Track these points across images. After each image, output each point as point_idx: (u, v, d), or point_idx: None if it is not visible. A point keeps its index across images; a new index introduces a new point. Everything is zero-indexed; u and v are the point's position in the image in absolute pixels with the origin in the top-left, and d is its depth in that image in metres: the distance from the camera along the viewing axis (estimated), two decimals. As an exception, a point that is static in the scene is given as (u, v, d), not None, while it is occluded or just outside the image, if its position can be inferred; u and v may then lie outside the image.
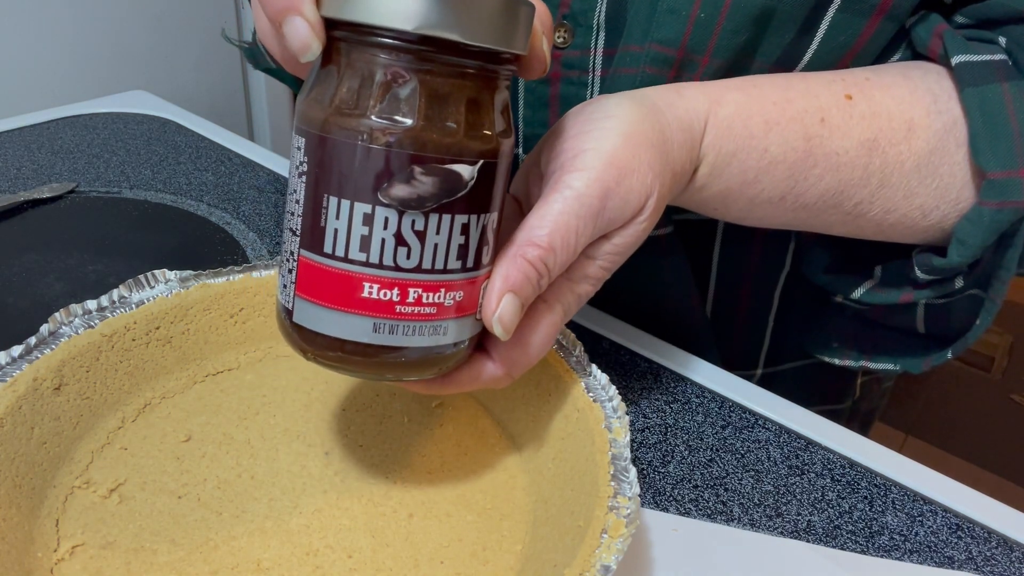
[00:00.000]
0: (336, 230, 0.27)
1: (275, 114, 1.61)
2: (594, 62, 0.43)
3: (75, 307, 0.37)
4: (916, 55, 0.41)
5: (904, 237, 0.40)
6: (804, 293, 0.51)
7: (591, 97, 0.43)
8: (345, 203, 0.26)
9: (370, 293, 0.27)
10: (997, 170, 0.36)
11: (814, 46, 0.40)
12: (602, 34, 0.42)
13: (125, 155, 0.69)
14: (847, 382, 0.59)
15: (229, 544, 0.31)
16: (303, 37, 0.25)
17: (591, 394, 0.35)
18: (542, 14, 0.28)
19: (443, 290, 0.28)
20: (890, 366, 0.45)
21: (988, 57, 0.38)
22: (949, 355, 0.42)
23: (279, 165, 0.69)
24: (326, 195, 0.27)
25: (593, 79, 0.43)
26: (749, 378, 0.48)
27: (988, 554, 0.36)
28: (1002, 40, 0.38)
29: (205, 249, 0.55)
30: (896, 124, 0.37)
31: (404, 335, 0.28)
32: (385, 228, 0.26)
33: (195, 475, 0.34)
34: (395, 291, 0.27)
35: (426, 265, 0.27)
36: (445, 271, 0.28)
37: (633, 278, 0.50)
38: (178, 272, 0.41)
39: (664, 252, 0.48)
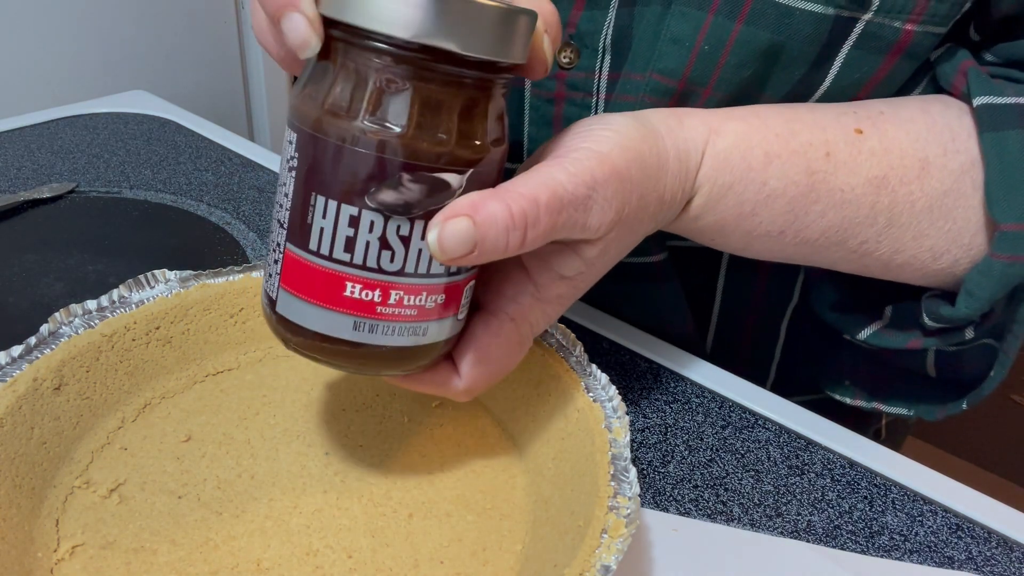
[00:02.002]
0: (322, 229, 0.27)
1: (275, 114, 1.61)
2: (598, 85, 0.42)
3: (75, 307, 0.37)
4: (939, 89, 0.40)
5: (913, 279, 0.39)
6: (813, 326, 0.49)
7: None
8: (332, 203, 0.26)
9: (352, 292, 0.27)
10: (1011, 222, 0.34)
11: (827, 82, 0.38)
12: (608, 57, 0.41)
13: (125, 155, 0.69)
14: (856, 421, 0.56)
15: (229, 544, 0.31)
16: (302, 33, 0.25)
17: (591, 394, 0.35)
18: (548, 15, 0.28)
19: (425, 293, 0.28)
20: (904, 411, 0.44)
21: (1013, 100, 0.35)
22: (964, 406, 0.40)
23: (279, 165, 0.69)
24: (314, 193, 0.27)
25: (597, 102, 0.43)
26: None
27: (988, 554, 0.36)
28: None
29: (205, 249, 0.55)
30: (908, 162, 0.35)
31: (384, 335, 0.28)
32: (371, 231, 0.26)
33: (195, 475, 0.34)
34: (377, 292, 0.27)
35: (409, 269, 0.27)
36: (428, 275, 0.28)
37: (628, 305, 0.49)
38: (178, 272, 0.41)
39: (658, 279, 0.47)
